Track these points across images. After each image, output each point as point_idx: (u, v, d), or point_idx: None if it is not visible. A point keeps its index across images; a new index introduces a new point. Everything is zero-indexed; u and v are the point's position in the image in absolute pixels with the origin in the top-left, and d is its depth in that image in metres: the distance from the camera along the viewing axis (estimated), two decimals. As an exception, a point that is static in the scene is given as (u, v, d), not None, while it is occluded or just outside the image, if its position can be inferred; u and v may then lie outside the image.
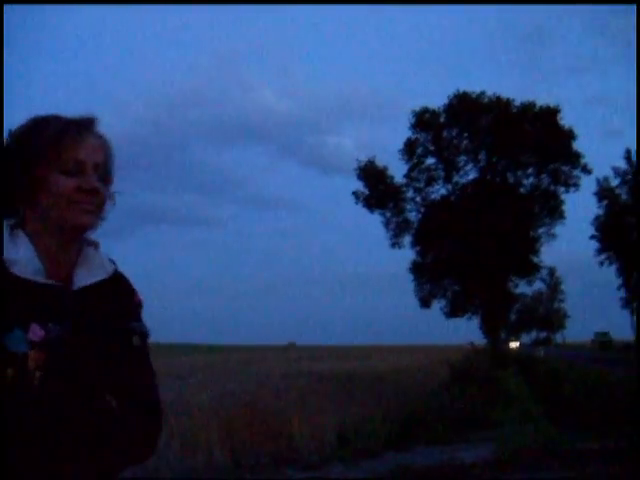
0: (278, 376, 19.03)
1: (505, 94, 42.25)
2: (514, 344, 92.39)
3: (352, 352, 48.13)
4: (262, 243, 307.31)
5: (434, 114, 42.22)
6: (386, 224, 43.30)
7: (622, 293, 64.43)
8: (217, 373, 21.53)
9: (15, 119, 1.66)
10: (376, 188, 42.26)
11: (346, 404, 13.14)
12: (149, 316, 1.76)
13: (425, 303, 44.58)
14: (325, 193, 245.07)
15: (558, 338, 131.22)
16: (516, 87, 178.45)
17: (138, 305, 1.76)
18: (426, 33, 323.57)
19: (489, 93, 41.86)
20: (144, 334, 1.70)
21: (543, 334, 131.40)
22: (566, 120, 41.39)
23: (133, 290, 1.76)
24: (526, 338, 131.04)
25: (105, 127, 1.68)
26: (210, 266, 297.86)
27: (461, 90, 41.91)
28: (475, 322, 46.65)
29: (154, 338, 1.79)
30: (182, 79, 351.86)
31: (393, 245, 43.56)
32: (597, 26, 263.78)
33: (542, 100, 43.01)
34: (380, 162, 42.84)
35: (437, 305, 45.11)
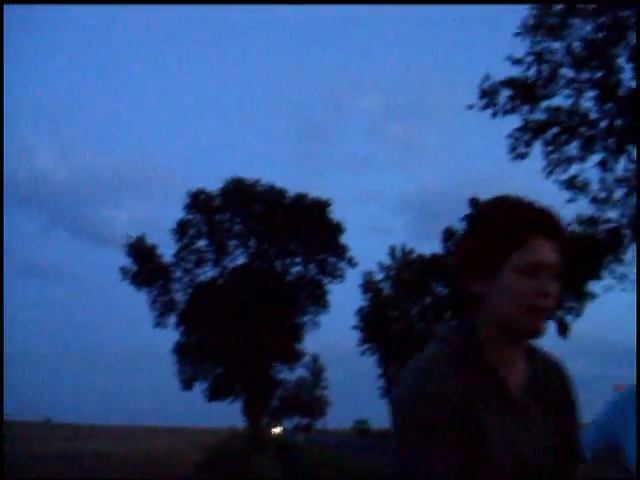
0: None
1: (281, 184, 43.84)
2: (276, 429, 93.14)
3: (110, 432, 46.31)
4: (26, 314, 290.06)
5: (209, 197, 42.71)
6: (152, 302, 42.51)
7: (381, 382, 67.32)
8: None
9: None
10: (144, 266, 41.61)
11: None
12: None
13: (187, 385, 43.86)
14: (95, 266, 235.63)
15: (319, 424, 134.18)
16: (293, 178, 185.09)
17: None
18: (211, 116, 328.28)
19: (264, 182, 43.35)
20: None
21: (305, 420, 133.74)
22: (336, 214, 43.48)
23: None
24: (289, 423, 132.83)
25: None
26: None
27: (237, 176, 43.01)
28: (238, 406, 46.60)
29: None
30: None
31: (157, 324, 42.65)
32: (373, 130, 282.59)
33: (315, 193, 45.00)
34: (151, 239, 42.39)
35: (199, 387, 44.62)
